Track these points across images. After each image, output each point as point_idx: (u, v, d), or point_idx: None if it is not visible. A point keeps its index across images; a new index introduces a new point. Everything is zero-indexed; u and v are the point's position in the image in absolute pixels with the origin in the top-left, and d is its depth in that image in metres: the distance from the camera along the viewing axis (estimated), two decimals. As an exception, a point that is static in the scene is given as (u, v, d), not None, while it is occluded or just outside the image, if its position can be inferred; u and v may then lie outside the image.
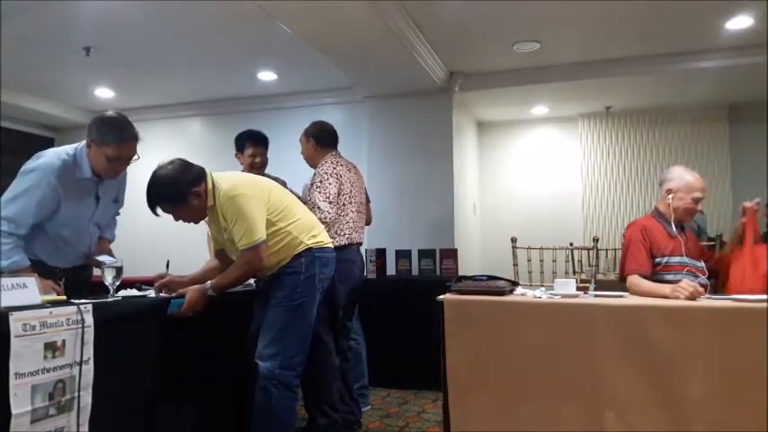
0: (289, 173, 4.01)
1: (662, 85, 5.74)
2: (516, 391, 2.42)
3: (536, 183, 6.90)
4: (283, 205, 2.69)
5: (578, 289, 2.66)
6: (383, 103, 5.66)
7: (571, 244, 5.00)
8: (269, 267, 2.64)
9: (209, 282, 2.58)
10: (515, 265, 4.36)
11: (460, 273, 4.54)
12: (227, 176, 2.68)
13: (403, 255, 4.88)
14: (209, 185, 2.59)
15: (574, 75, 5.42)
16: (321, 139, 3.55)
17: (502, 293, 2.61)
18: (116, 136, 2.65)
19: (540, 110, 6.61)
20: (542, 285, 2.88)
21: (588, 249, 4.85)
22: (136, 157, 2.73)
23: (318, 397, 3.02)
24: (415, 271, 4.86)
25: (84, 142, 2.71)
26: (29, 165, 2.66)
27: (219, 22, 4.35)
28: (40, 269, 2.52)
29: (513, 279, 3.04)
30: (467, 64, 5.38)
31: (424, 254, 4.84)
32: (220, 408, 2.74)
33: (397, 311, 4.42)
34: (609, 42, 4.87)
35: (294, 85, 5.99)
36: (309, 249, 2.69)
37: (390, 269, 4.90)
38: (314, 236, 2.75)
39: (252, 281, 2.94)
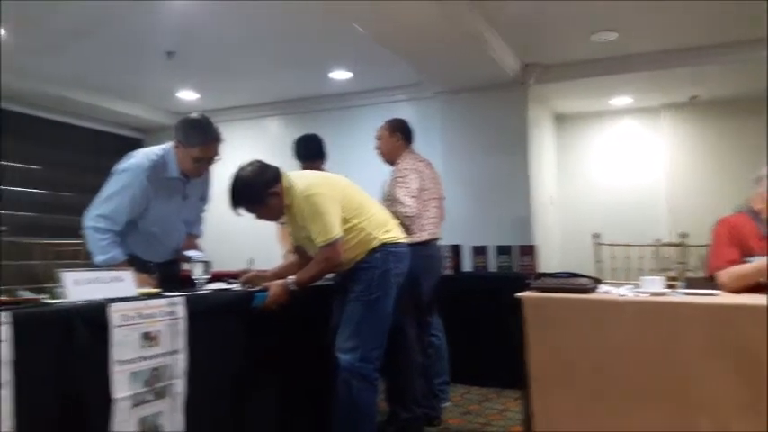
0: (360, 170, 4.06)
1: (751, 73, 5.38)
2: (601, 392, 2.34)
3: (617, 176, 6.64)
4: (356, 202, 2.75)
5: (667, 287, 2.54)
6: (455, 99, 5.61)
7: (657, 240, 4.79)
8: (345, 263, 2.69)
9: (290, 277, 2.65)
10: (598, 261, 4.23)
11: (540, 270, 4.45)
12: (303, 176, 2.77)
13: (479, 251, 4.83)
14: (286, 185, 2.67)
15: (656, 64, 5.18)
16: (405, 135, 3.58)
17: (585, 291, 2.53)
18: (201, 138, 2.77)
19: (620, 101, 6.37)
20: (627, 283, 2.77)
21: (676, 245, 4.64)
22: (218, 157, 2.84)
23: (401, 391, 3.05)
24: (492, 267, 4.80)
25: (171, 143, 2.84)
26: (121, 165, 2.81)
27: (295, 23, 4.44)
28: (135, 263, 2.65)
29: (595, 276, 2.95)
30: (542, 55, 5.25)
31: (501, 250, 4.77)
32: (302, 399, 2.81)
33: (474, 308, 4.38)
34: (693, 29, 4.62)
35: (366, 83, 6.03)
36: (383, 245, 2.73)
37: (466, 265, 4.86)
38: (387, 231, 2.78)
39: (330, 275, 3.00)
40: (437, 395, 3.45)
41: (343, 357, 2.62)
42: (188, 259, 2.76)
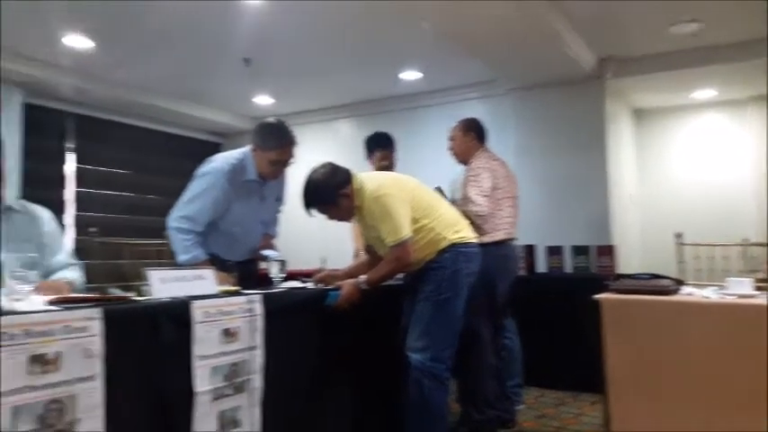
0: (430, 170, 4.06)
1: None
2: (683, 397, 2.25)
3: (701, 172, 6.31)
4: (426, 202, 2.76)
5: (755, 289, 2.40)
6: (529, 95, 5.50)
7: (745, 240, 4.53)
8: (415, 263, 2.70)
9: (362, 276, 2.68)
10: (681, 262, 4.04)
11: (619, 271, 4.30)
12: (373, 177, 2.80)
13: (554, 251, 4.72)
14: (356, 186, 2.71)
15: (741, 54, 4.88)
16: (479, 134, 3.56)
17: (667, 293, 2.44)
18: (276, 142, 2.87)
19: (703, 94, 6.05)
20: (712, 285, 2.64)
21: (764, 245, 4.37)
22: (293, 159, 2.93)
23: (473, 393, 3.03)
24: (568, 268, 4.68)
25: (249, 147, 2.95)
26: (202, 169, 2.94)
27: (366, 25, 4.49)
28: (216, 262, 2.76)
29: (677, 278, 2.83)
30: (619, 49, 5.07)
31: (577, 250, 4.65)
32: (374, 398, 2.83)
33: (549, 310, 4.28)
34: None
35: (436, 82, 6.01)
36: (453, 245, 2.72)
37: (541, 266, 4.76)
38: (457, 231, 2.77)
39: (400, 275, 3.01)
40: (510, 398, 3.40)
41: (414, 357, 2.63)
42: (265, 258, 2.86)
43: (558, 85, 5.29)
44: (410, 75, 5.76)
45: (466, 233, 2.83)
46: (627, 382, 2.37)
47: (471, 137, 3.54)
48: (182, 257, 2.80)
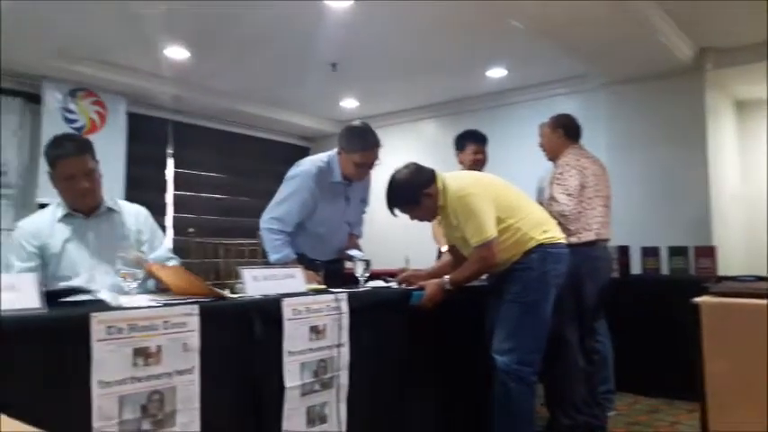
0: (518, 168, 3.98)
1: None
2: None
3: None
4: (512, 202, 2.70)
5: None
6: (622, 89, 5.28)
7: None
8: (501, 263, 2.65)
9: (446, 276, 2.67)
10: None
11: (720, 273, 4.06)
12: (456, 176, 2.77)
13: (650, 252, 4.50)
14: (440, 186, 2.70)
15: None
16: (569, 130, 3.46)
17: (775, 296, 2.27)
18: (361, 144, 2.93)
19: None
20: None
21: None
22: (378, 161, 2.98)
23: (561, 397, 2.94)
24: (664, 270, 4.46)
25: (335, 150, 3.03)
26: (291, 172, 3.06)
27: (450, 26, 4.47)
28: (303, 261, 2.86)
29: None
30: (720, 38, 4.77)
31: (675, 251, 4.41)
32: (459, 399, 2.82)
33: (645, 313, 4.08)
34: None
35: (523, 79, 5.90)
36: (540, 245, 2.65)
37: (635, 268, 4.56)
38: (545, 231, 2.70)
39: (484, 276, 2.98)
40: (601, 404, 3.27)
41: (500, 359, 2.58)
42: (350, 258, 2.91)
43: (655, 79, 5.06)
44: (496, 72, 5.69)
45: (554, 233, 2.75)
46: (727, 390, 2.22)
47: (559, 134, 3.44)
48: (272, 256, 2.93)
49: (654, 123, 5.12)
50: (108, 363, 1.52)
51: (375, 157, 2.99)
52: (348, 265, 3.10)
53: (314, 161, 3.07)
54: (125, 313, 1.61)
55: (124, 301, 1.72)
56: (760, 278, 2.42)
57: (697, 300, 2.35)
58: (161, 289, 2.20)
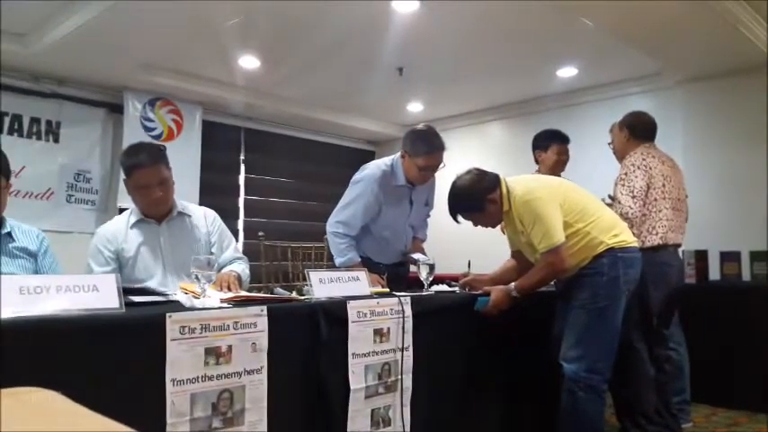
0: (588, 169, 3.87)
1: None
2: None
3: None
4: (580, 205, 2.62)
5: None
6: (699, 86, 5.05)
7: None
8: (569, 269, 2.58)
9: (513, 283, 2.63)
10: None
11: (806, 279, 3.81)
12: (521, 180, 2.71)
13: (730, 257, 4.27)
14: (504, 191, 2.65)
15: None
16: (636, 130, 3.33)
17: None
18: (426, 148, 2.93)
19: None
20: None
21: None
22: (442, 164, 2.97)
23: (631, 406, 2.84)
24: (746, 276, 4.22)
25: (399, 153, 3.05)
26: (357, 176, 3.10)
27: (518, 26, 4.41)
28: (368, 264, 2.89)
29: None
30: (808, 28, 4.49)
31: (756, 256, 4.17)
32: (525, 406, 2.77)
33: (723, 321, 3.88)
34: None
35: (594, 78, 5.73)
36: (611, 249, 2.56)
37: (714, 273, 4.34)
38: (615, 235, 2.60)
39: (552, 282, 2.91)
40: (675, 415, 3.13)
41: (569, 367, 2.52)
42: (414, 262, 2.92)
43: (733, 75, 4.81)
44: (567, 72, 5.55)
45: (626, 236, 2.65)
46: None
47: (625, 133, 3.32)
48: (338, 260, 2.99)
49: (732, 121, 4.87)
50: (181, 361, 1.59)
51: (439, 160, 2.98)
52: (412, 268, 3.11)
53: (378, 165, 3.09)
54: (198, 314, 1.68)
55: (197, 302, 1.79)
56: None
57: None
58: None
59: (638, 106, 3.97)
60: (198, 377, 1.61)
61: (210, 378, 1.64)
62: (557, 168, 3.73)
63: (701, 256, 4.27)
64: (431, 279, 2.71)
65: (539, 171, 3.79)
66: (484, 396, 2.61)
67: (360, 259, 2.98)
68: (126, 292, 1.69)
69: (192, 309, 1.73)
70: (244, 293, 2.09)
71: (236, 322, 1.73)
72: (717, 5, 3.76)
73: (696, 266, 4.19)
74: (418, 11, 4.11)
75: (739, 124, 4.84)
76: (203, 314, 1.68)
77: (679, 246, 3.29)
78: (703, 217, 4.02)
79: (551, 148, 3.78)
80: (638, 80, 5.63)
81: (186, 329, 1.62)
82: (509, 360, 2.70)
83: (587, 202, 2.67)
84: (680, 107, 5.16)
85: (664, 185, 3.16)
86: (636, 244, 2.68)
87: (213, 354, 1.66)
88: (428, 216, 3.36)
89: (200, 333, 1.64)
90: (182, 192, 2.56)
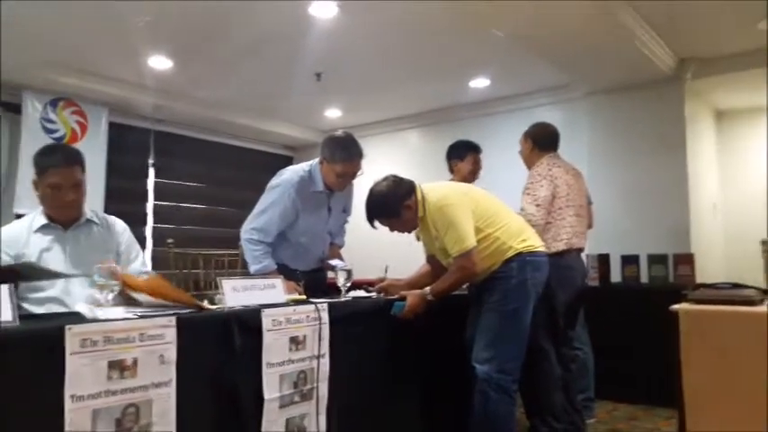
0: (500, 178, 3.99)
1: None
2: (764, 415, 2.10)
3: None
4: (491, 212, 2.72)
5: None
6: (604, 99, 5.35)
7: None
8: (480, 273, 2.67)
9: (428, 287, 2.68)
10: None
11: (698, 280, 4.10)
12: (436, 187, 2.79)
13: (630, 260, 4.54)
14: (419, 197, 2.71)
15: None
16: (540, 141, 3.48)
17: (750, 303, 2.30)
18: (344, 154, 2.93)
19: (793, 92, 5.69)
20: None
21: None
22: (361, 171, 2.98)
23: (539, 405, 2.95)
24: (644, 278, 4.50)
25: (317, 159, 3.03)
26: (273, 182, 3.05)
27: (434, 36, 4.50)
28: (284, 271, 2.85)
29: (764, 288, 2.66)
30: (700, 48, 4.84)
31: (654, 259, 4.45)
32: (440, 408, 2.81)
33: (624, 321, 4.12)
34: None
35: (507, 88, 5.94)
36: (520, 254, 2.67)
37: (615, 276, 4.60)
38: (524, 240, 2.72)
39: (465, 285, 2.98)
40: (580, 411, 3.28)
41: (480, 368, 2.59)
42: (332, 268, 2.90)
43: (635, 88, 5.12)
44: (480, 82, 5.72)
45: (533, 241, 2.77)
46: (705, 396, 2.24)
47: (530, 144, 3.47)
48: (253, 267, 2.93)
49: (634, 133, 5.18)
50: (81, 376, 1.49)
51: (357, 167, 2.99)
52: (329, 274, 3.09)
53: (296, 170, 3.06)
54: (100, 325, 1.59)
55: (100, 313, 1.70)
56: (736, 285, 2.45)
57: (675, 307, 2.37)
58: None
59: (547, 117, 4.14)
60: (100, 392, 1.53)
61: (114, 393, 1.55)
62: (471, 178, 3.84)
63: (604, 259, 4.51)
64: (348, 285, 2.71)
65: (453, 180, 3.88)
66: (400, 400, 2.63)
67: (276, 267, 2.92)
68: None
69: (95, 320, 1.63)
70: None
71: (141, 334, 1.66)
72: (621, 25, 3.99)
73: (599, 269, 4.43)
74: (337, 17, 4.11)
75: (640, 135, 5.16)
76: (107, 326, 1.60)
77: (582, 250, 3.45)
78: (606, 223, 4.25)
79: (467, 158, 3.89)
80: (547, 92, 5.89)
81: (88, 342, 1.53)
82: (425, 363, 2.73)
83: (497, 209, 2.77)
84: (585, 118, 5.44)
85: (568, 194, 3.32)
86: (543, 248, 2.80)
87: (117, 367, 1.57)
88: (346, 222, 3.35)
89: (103, 346, 1.56)
90: (88, 197, 2.43)
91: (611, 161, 5.22)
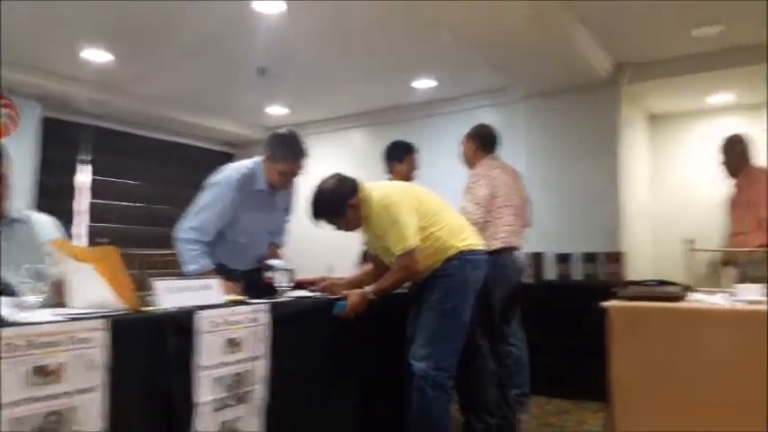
0: (443, 177, 4.04)
1: None
2: (690, 407, 2.22)
3: (716, 178, 6.22)
4: (433, 211, 2.76)
5: (765, 295, 2.37)
6: (542, 102, 5.48)
7: (759, 246, 4.43)
8: (422, 271, 2.70)
9: (369, 286, 2.69)
10: (690, 269, 3.99)
11: (628, 278, 4.26)
12: (380, 186, 2.81)
13: (564, 259, 4.69)
14: (363, 196, 2.72)
15: (763, 57, 4.82)
16: (482, 142, 3.55)
17: (675, 299, 2.41)
18: (286, 153, 2.90)
19: (721, 98, 5.97)
20: (722, 291, 2.61)
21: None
22: (303, 171, 2.95)
23: (474, 401, 3.01)
24: (577, 275, 4.64)
25: (260, 158, 2.98)
26: (213, 179, 2.98)
27: (380, 35, 4.52)
28: (222, 272, 2.80)
29: (687, 284, 2.80)
30: (636, 53, 5.03)
31: (586, 257, 4.61)
32: (380, 407, 2.83)
33: (558, 317, 4.25)
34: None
35: (450, 90, 6.02)
36: (460, 252, 2.72)
37: (550, 273, 4.73)
38: (464, 238, 2.77)
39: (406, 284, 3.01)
40: (512, 406, 3.36)
41: (418, 365, 2.62)
42: (270, 268, 2.87)
43: (573, 92, 5.26)
44: (424, 83, 5.77)
45: (473, 240, 2.82)
46: (632, 389, 2.35)
47: (474, 144, 3.54)
48: (189, 267, 2.84)
49: (570, 135, 5.33)
50: (1, 383, 1.43)
51: (301, 166, 2.96)
52: (268, 274, 3.06)
53: (237, 168, 2.99)
54: (24, 329, 1.52)
55: (24, 316, 1.63)
56: (663, 282, 2.56)
57: (605, 303, 2.47)
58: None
59: (487, 119, 4.23)
60: (21, 399, 1.46)
61: (36, 400, 1.49)
62: (409, 179, 3.87)
63: (539, 257, 4.64)
64: (289, 284, 2.69)
65: (391, 180, 3.91)
66: (341, 399, 2.63)
67: (213, 267, 2.85)
68: None
69: (17, 323, 1.57)
70: None
71: (70, 337, 1.60)
72: (559, 29, 4.09)
73: (534, 267, 4.55)
74: (283, 13, 4.07)
75: (576, 138, 5.31)
76: (30, 329, 1.53)
77: (519, 248, 3.54)
78: (542, 222, 4.36)
79: (407, 160, 3.93)
80: (488, 94, 5.99)
81: (9, 347, 1.46)
82: (365, 361, 2.75)
83: (439, 208, 2.81)
84: (523, 121, 5.56)
85: (507, 194, 3.41)
86: (482, 247, 2.86)
87: (40, 373, 1.51)
88: (288, 221, 3.32)
89: (26, 350, 1.49)
90: (16, 193, 2.33)
91: (547, 163, 5.34)
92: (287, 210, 3.25)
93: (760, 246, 3.55)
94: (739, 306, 2.24)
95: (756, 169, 3.79)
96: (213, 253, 2.91)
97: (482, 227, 3.26)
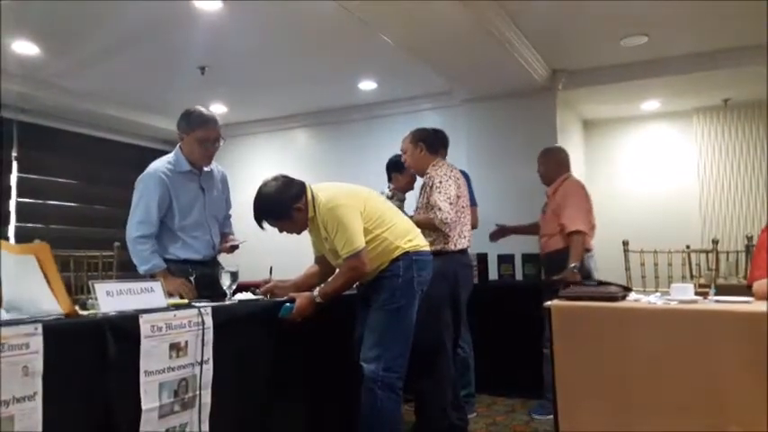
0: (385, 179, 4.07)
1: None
2: (630, 403, 2.30)
3: (648, 182, 6.53)
4: (378, 212, 2.76)
5: (697, 294, 2.49)
6: (482, 106, 5.60)
7: (688, 247, 4.69)
8: (369, 272, 2.70)
9: (316, 289, 2.67)
10: (627, 269, 4.17)
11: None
12: (325, 188, 2.78)
13: (506, 259, 4.78)
14: (310, 198, 2.69)
15: (687, 67, 5.09)
16: (432, 144, 3.57)
17: (614, 299, 2.50)
18: (199, 119, 2.95)
19: (651, 105, 6.27)
20: (657, 291, 2.73)
21: (707, 252, 4.54)
22: (222, 140, 3.00)
23: (431, 402, 3.03)
24: (518, 276, 4.75)
25: (177, 145, 2.97)
26: (140, 176, 2.95)
27: (322, 36, 4.50)
28: (174, 267, 2.81)
29: (625, 284, 2.91)
30: (570, 61, 5.22)
31: (528, 258, 4.72)
32: (329, 409, 2.81)
33: (501, 318, 4.33)
34: (724, 32, 4.54)
35: (392, 92, 6.06)
36: (406, 253, 2.73)
37: (492, 274, 4.82)
38: (410, 240, 2.79)
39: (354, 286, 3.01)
40: (462, 406, 3.42)
41: (367, 367, 2.62)
42: (235, 247, 3.01)
43: (511, 97, 5.40)
44: (367, 85, 5.78)
45: (419, 241, 2.84)
46: (574, 389, 2.41)
47: (420, 148, 3.54)
48: (142, 268, 2.84)
49: (509, 139, 5.47)
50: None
51: (216, 132, 2.98)
52: (231, 236, 3.14)
53: (160, 160, 3.04)
54: (-49, 337, 1.43)
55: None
56: (602, 282, 2.64)
57: (548, 303, 2.53)
58: None
59: (430, 122, 4.28)
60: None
61: (-32, 411, 1.41)
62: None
63: (483, 258, 4.72)
64: (234, 287, 2.64)
65: (391, 188, 4.12)
66: (289, 403, 2.59)
67: (164, 265, 2.84)
68: None
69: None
70: None
71: (2, 344, 1.51)
72: (498, 36, 4.19)
73: (478, 268, 4.62)
74: (222, 11, 4.00)
75: (515, 141, 5.45)
76: (-41, 337, 1.44)
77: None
78: (484, 223, 4.44)
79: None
80: (431, 97, 6.08)
81: (-64, 356, 1.37)
82: (314, 365, 2.72)
83: (384, 210, 2.82)
84: (464, 124, 5.67)
85: (465, 195, 3.47)
86: (428, 248, 2.88)
87: (-28, 383, 1.43)
88: (229, 215, 3.28)
89: (-45, 359, 1.41)
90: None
91: (488, 165, 5.46)
92: (227, 200, 3.23)
93: (556, 250, 3.78)
94: (672, 305, 2.35)
95: (568, 181, 3.99)
96: (165, 247, 2.90)
97: (451, 226, 3.27)
